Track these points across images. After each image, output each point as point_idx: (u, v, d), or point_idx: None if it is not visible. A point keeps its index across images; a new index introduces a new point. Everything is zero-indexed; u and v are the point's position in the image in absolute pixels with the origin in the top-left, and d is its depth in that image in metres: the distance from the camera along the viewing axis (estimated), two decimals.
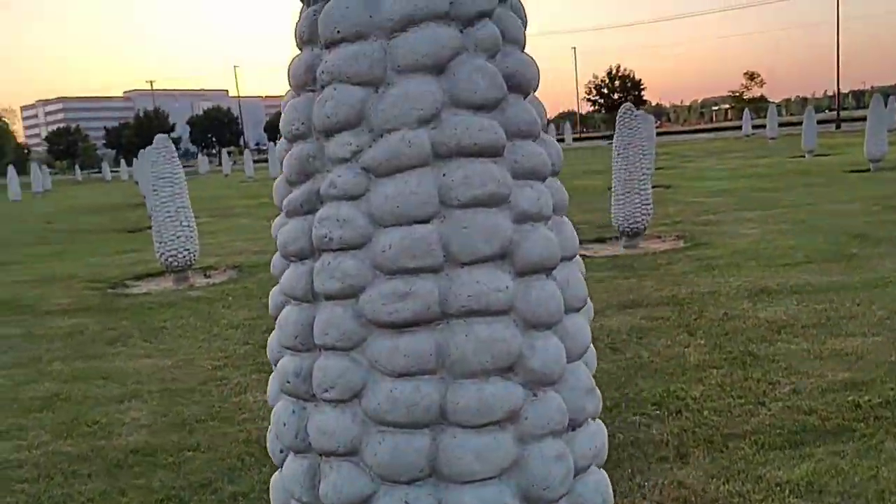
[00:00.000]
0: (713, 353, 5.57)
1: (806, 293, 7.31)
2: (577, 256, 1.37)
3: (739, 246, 10.07)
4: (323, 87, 1.19)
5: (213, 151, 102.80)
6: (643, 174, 11.09)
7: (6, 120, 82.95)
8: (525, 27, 1.36)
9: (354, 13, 1.19)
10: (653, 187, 18.41)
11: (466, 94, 1.19)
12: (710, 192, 17.48)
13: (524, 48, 1.32)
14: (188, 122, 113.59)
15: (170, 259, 12.50)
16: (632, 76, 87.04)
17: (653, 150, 20.21)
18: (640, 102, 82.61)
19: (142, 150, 26.25)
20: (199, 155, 73.70)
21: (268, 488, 1.45)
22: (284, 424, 1.21)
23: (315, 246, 1.20)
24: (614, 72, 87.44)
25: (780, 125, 41.79)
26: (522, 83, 1.28)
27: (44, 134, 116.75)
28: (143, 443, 5.12)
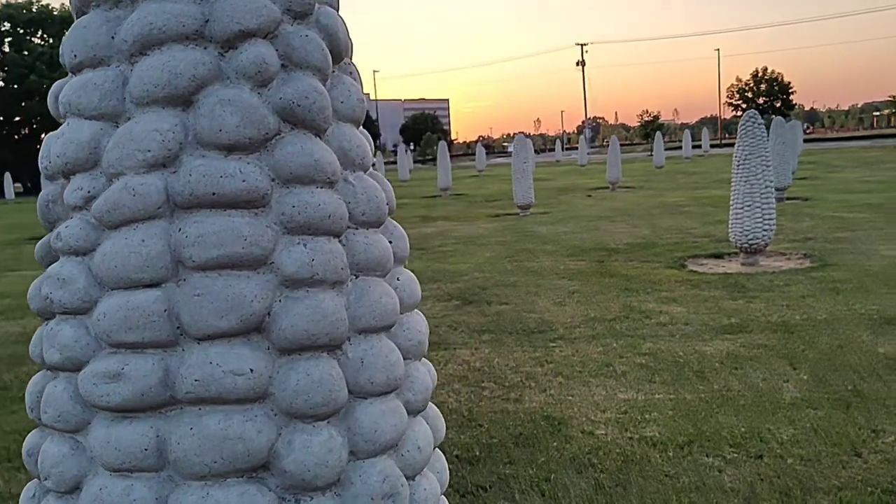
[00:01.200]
0: (815, 390, 4.93)
1: None
2: (397, 324, 1.09)
3: (873, 268, 9.04)
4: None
5: None
6: (766, 186, 10.26)
7: None
8: (338, 45, 1.11)
9: (94, 33, 0.99)
10: (788, 199, 16.99)
11: (209, 132, 0.96)
12: (852, 206, 15.96)
13: (325, 73, 1.07)
14: None
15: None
16: (780, 79, 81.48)
17: (794, 158, 18.65)
18: (788, 107, 77.19)
19: None
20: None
21: None
22: None
23: (36, 309, 1.03)
24: (760, 74, 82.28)
25: None
26: (306, 117, 1.02)
27: None
28: None
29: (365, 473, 1.02)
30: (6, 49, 70.24)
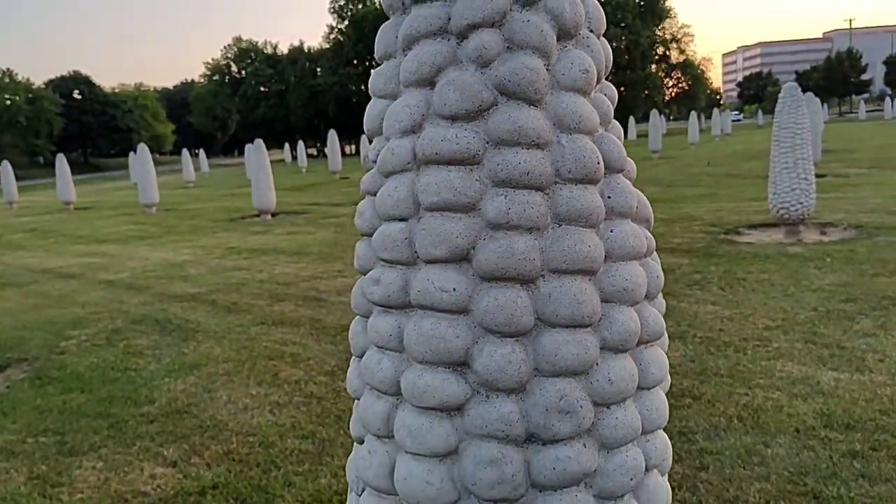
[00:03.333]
0: None
1: None
2: (604, 270, 1.20)
3: None
4: None
5: None
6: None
7: (702, 68, 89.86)
8: (565, 24, 1.24)
9: (386, 35, 1.37)
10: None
11: (438, 106, 1.24)
12: None
13: (545, 51, 1.22)
14: (885, 62, 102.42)
15: (781, 211, 12.44)
16: None
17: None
18: None
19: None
20: (888, 98, 66.29)
21: None
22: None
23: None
24: None
25: None
26: (516, 90, 1.21)
27: (740, 79, 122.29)
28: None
29: (544, 388, 1.22)
30: None
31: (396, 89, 1.35)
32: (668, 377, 1.38)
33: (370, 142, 1.45)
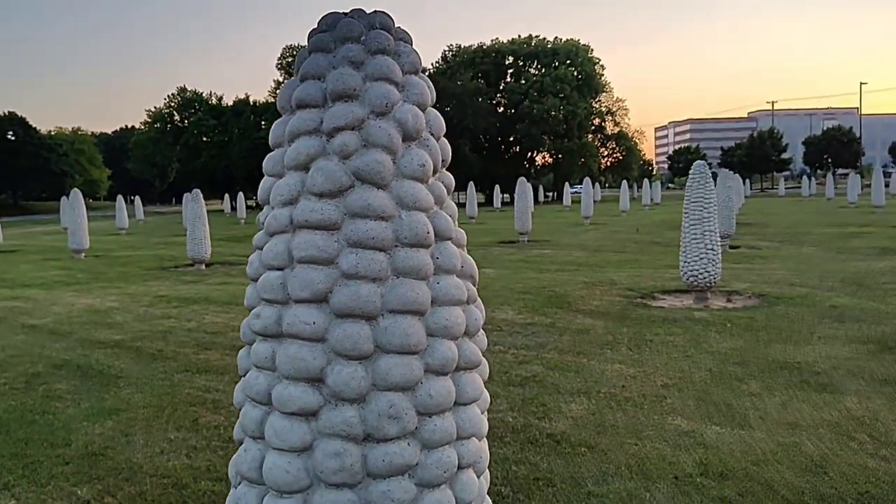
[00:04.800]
0: None
1: None
2: (431, 311, 1.62)
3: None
4: None
5: (822, 172, 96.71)
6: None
7: (636, 140, 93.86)
8: (408, 131, 1.71)
9: (277, 129, 1.82)
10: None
11: (310, 186, 1.69)
12: None
13: (392, 149, 1.69)
14: (804, 143, 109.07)
15: (690, 278, 13.17)
16: None
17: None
18: None
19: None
20: (805, 177, 70.68)
21: None
22: None
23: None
24: None
25: None
26: (367, 177, 1.67)
27: (671, 152, 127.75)
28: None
29: (378, 399, 1.62)
30: (507, 79, 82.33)
31: (282, 171, 1.76)
32: (487, 397, 1.79)
33: (262, 209, 1.85)
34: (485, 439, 1.87)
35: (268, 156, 1.81)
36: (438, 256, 1.74)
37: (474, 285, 1.82)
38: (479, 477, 1.80)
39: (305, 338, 1.62)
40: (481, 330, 1.84)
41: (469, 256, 1.80)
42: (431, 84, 1.85)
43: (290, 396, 1.61)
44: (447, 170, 1.85)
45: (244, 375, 1.79)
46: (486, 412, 1.84)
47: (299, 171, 1.72)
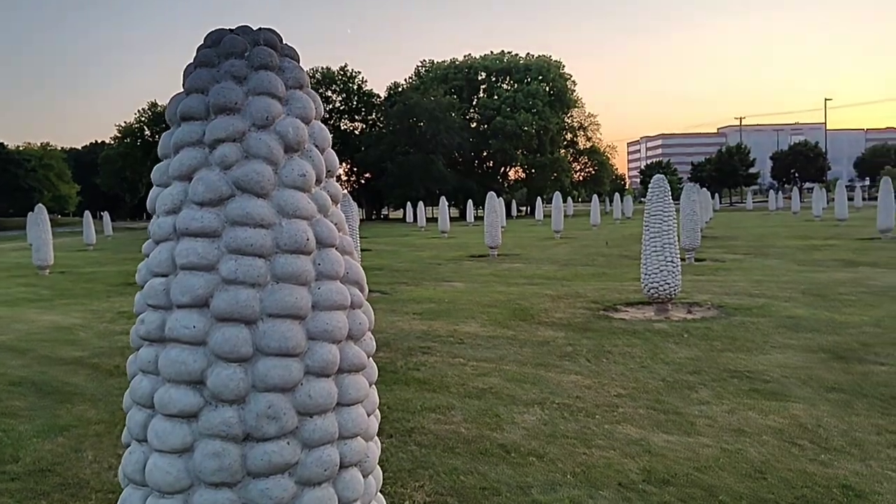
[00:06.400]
0: None
1: None
2: (310, 315, 1.69)
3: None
4: None
5: (789, 186, 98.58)
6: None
7: (608, 154, 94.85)
8: (289, 142, 1.78)
9: (164, 142, 1.90)
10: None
11: (191, 195, 1.77)
12: None
13: (273, 160, 1.76)
14: (771, 157, 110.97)
15: (651, 290, 13.32)
16: None
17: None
18: None
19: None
20: (772, 191, 72.02)
21: None
22: None
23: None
24: None
25: None
26: (247, 187, 1.74)
27: (643, 166, 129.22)
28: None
29: (257, 400, 1.69)
30: (480, 95, 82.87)
31: (168, 181, 1.83)
32: (375, 398, 1.85)
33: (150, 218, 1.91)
34: (375, 439, 1.93)
35: (156, 166, 1.88)
36: (320, 263, 1.81)
37: (361, 291, 1.89)
38: (366, 476, 1.86)
39: (186, 341, 1.68)
40: (368, 333, 1.91)
41: (356, 263, 1.87)
42: (318, 98, 1.93)
43: (171, 399, 1.67)
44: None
45: (132, 380, 1.84)
46: (374, 413, 1.90)
47: (182, 181, 1.78)
